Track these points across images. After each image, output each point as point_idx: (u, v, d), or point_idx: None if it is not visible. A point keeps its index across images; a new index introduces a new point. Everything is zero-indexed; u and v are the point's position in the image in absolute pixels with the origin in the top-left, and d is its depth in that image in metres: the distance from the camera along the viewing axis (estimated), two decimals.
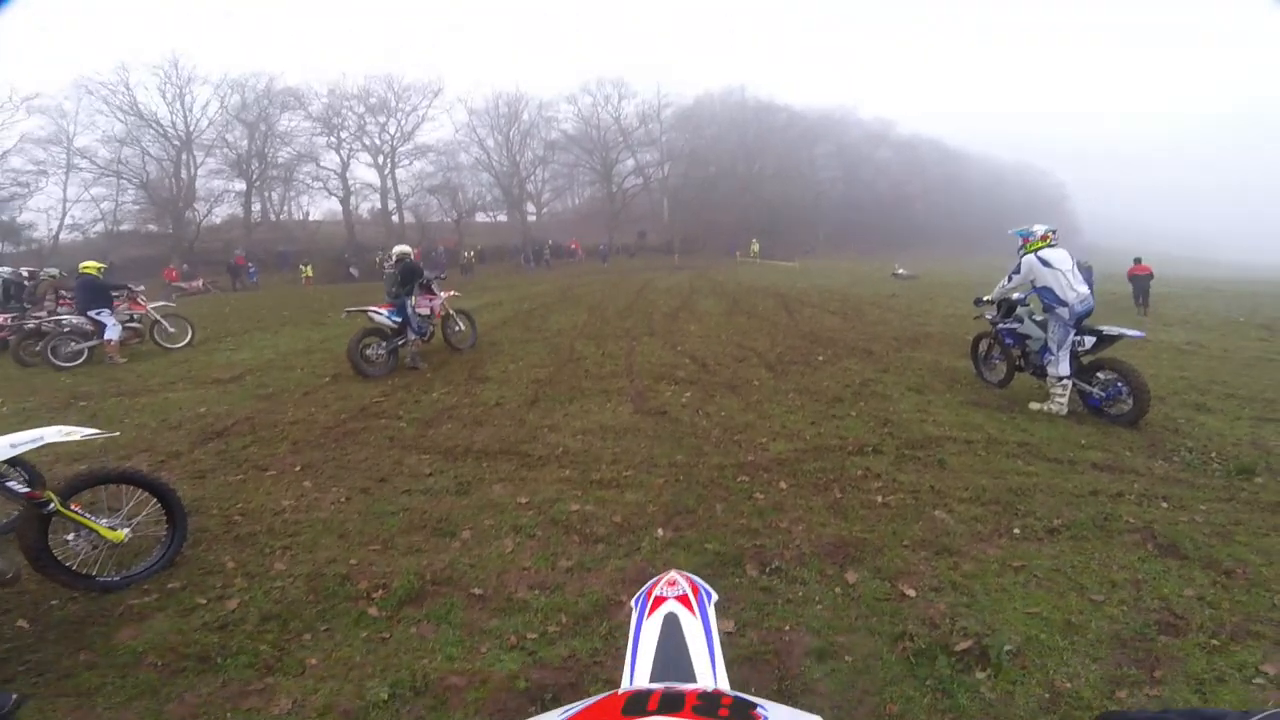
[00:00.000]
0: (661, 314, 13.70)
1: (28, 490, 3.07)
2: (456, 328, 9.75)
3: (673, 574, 1.44)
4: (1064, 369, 5.96)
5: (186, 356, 10.37)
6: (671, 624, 1.27)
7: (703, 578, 1.42)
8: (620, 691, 0.97)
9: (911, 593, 3.03)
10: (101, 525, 3.26)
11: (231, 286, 30.12)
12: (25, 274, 13.27)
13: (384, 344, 8.27)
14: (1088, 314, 5.95)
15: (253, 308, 18.79)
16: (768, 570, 3.27)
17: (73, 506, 3.18)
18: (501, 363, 8.67)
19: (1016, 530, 3.66)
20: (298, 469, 4.94)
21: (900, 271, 28.26)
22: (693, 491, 4.27)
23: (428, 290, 9.24)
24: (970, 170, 74.87)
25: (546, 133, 49.89)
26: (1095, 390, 5.87)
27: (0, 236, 33.84)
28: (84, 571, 3.25)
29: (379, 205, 45.52)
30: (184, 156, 38.40)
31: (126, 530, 3.35)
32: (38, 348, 9.73)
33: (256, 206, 41.97)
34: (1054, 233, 6.26)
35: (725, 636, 2.72)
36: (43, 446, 3.08)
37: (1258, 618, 2.79)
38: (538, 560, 3.44)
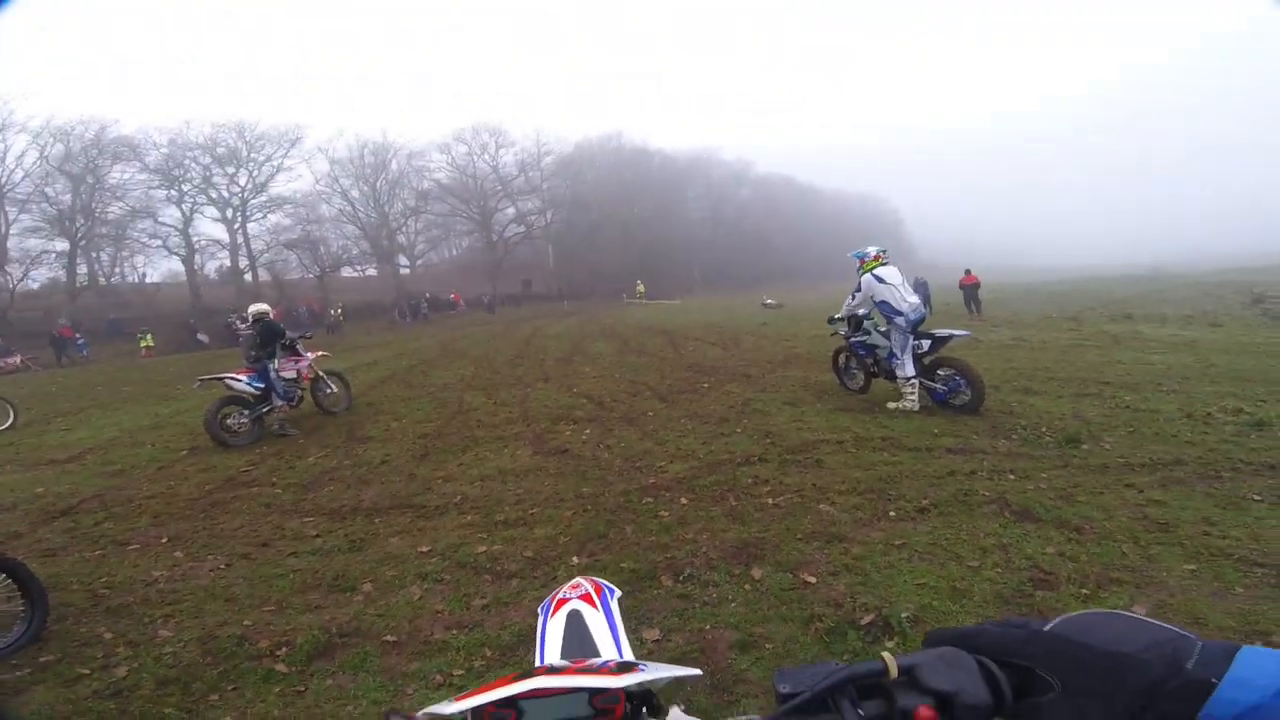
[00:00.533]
0: (554, 359, 13.71)
1: None
2: (328, 390, 9.01)
3: (576, 579, 1.49)
4: (910, 370, 6.72)
5: (11, 439, 9.08)
6: (575, 620, 1.31)
7: (624, 592, 1.49)
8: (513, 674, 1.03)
9: (812, 579, 3.26)
10: None
11: (57, 361, 26.07)
12: None
13: (247, 412, 7.64)
14: (921, 321, 6.74)
15: (85, 385, 16.48)
16: (681, 578, 3.38)
17: None
18: (383, 421, 8.27)
19: (892, 513, 4.04)
20: (164, 541, 4.54)
21: (769, 302, 30.39)
22: (602, 518, 4.33)
23: (292, 351, 8.57)
24: (820, 204, 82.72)
25: (418, 182, 48.65)
26: (939, 386, 6.66)
27: None
28: None
29: (229, 263, 41.94)
30: None
31: None
32: None
33: (82, 269, 36.91)
34: (884, 252, 7.11)
35: (653, 644, 2.79)
36: None
37: (1114, 565, 3.23)
38: (450, 603, 3.35)
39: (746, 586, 3.26)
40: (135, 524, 4.96)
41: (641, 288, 45.38)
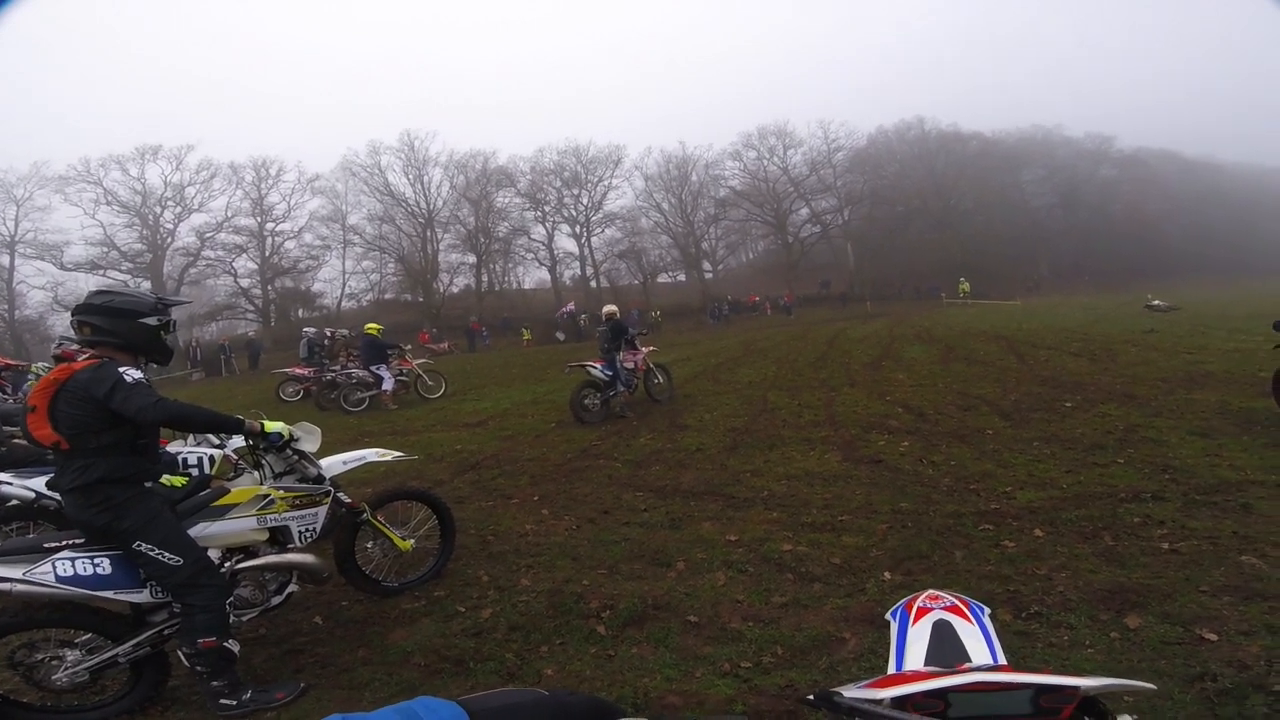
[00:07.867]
0: (860, 364, 12.98)
1: (350, 501, 3.48)
2: (656, 380, 10.24)
3: (931, 590, 1.39)
4: None
5: (441, 405, 12.25)
6: (943, 629, 1.21)
7: None
8: (927, 668, 0.95)
9: (1213, 637, 2.69)
10: (396, 535, 3.71)
11: (469, 348, 34.68)
12: (328, 334, 16.48)
13: (599, 395, 9.08)
14: None
15: (487, 366, 21.54)
16: (1024, 615, 3.01)
17: (378, 517, 3.68)
18: (698, 413, 8.94)
19: None
20: (536, 499, 5.57)
21: (1156, 303, 23.54)
22: (924, 538, 4.02)
23: (631, 346, 9.92)
24: (1221, 181, 61.10)
25: (715, 191, 50.50)
26: None
27: (300, 304, 42.91)
28: (373, 576, 3.68)
29: (579, 272, 49.45)
30: (428, 233, 45.08)
31: (413, 541, 3.80)
32: (332, 395, 12.35)
33: (485, 277, 47.57)
34: None
35: None
36: (364, 465, 3.75)
37: None
38: (751, 595, 3.47)
39: (1113, 634, 2.78)
40: (518, 482, 6.18)
41: (965, 286, 39.95)
